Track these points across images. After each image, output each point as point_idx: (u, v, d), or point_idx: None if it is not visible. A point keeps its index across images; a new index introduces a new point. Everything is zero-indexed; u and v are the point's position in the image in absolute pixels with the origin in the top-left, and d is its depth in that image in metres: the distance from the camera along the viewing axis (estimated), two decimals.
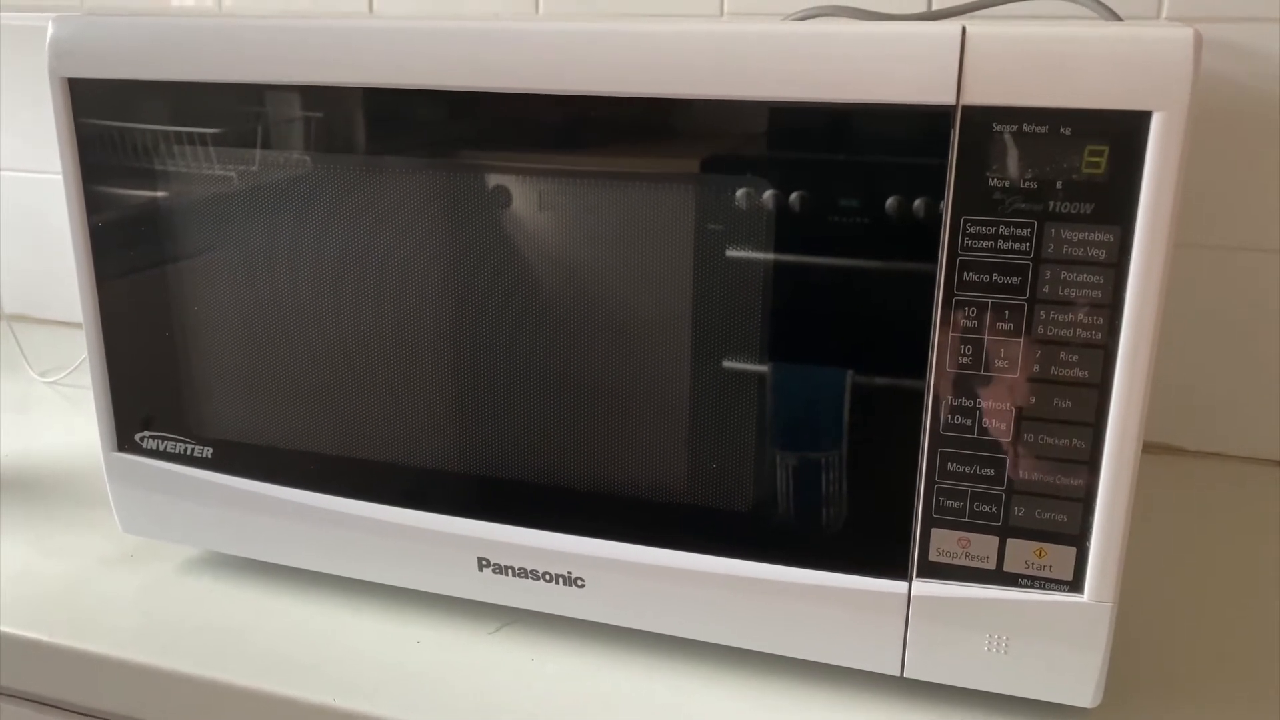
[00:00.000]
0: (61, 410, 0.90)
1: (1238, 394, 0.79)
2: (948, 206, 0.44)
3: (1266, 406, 0.79)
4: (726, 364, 0.49)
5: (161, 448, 0.61)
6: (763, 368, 0.49)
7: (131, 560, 0.65)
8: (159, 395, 0.60)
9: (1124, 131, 0.42)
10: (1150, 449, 0.82)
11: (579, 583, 0.54)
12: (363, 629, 0.58)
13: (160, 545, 0.66)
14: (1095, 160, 0.42)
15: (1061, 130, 0.42)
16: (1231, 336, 0.78)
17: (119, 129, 0.57)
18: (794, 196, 0.46)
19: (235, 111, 0.54)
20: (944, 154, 0.44)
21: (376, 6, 0.94)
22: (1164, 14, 0.74)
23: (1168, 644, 0.57)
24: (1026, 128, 0.43)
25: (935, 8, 0.78)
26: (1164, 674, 0.54)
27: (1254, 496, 0.75)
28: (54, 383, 0.95)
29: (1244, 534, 0.69)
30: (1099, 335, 0.44)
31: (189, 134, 0.55)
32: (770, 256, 0.47)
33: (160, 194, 0.57)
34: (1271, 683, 0.53)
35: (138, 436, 0.61)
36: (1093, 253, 0.43)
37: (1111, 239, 0.43)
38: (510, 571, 0.55)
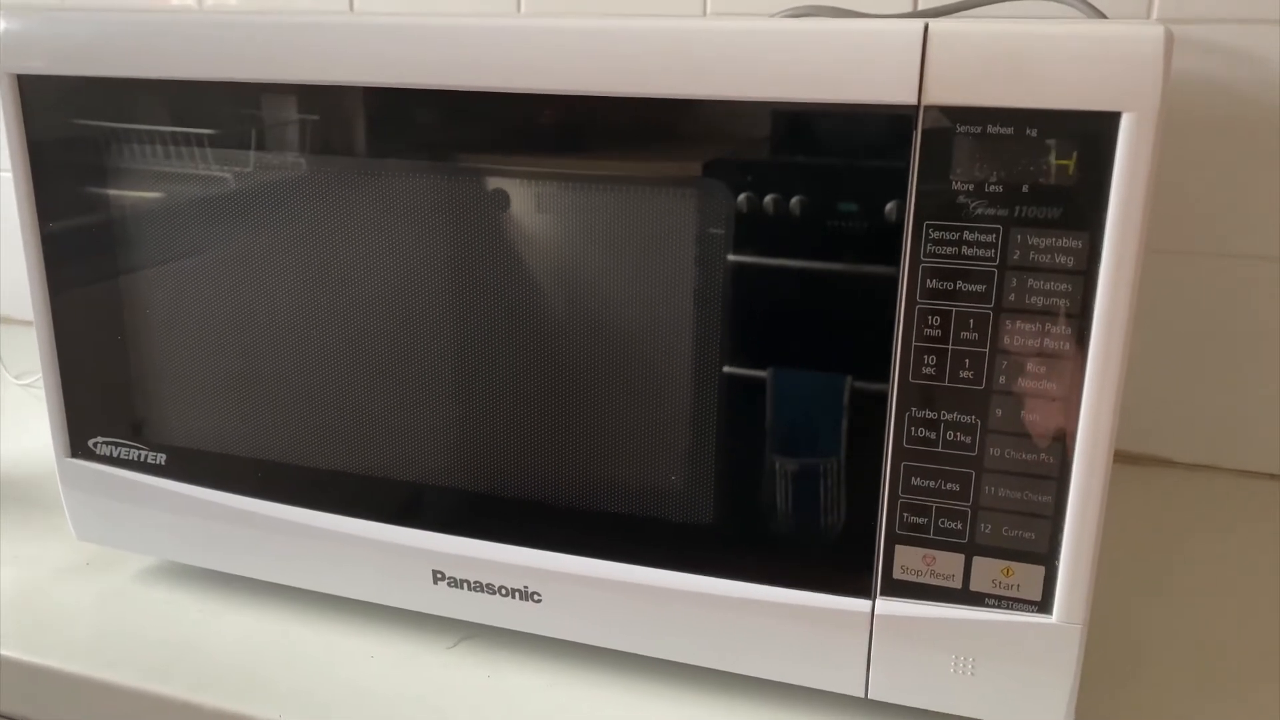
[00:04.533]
0: (34, 413, 0.88)
1: (1231, 405, 0.77)
2: (909, 211, 0.42)
3: (1261, 418, 0.77)
4: (674, 371, 0.48)
5: (115, 454, 0.60)
6: (716, 379, 0.47)
7: (88, 569, 0.64)
8: (112, 400, 0.59)
9: (1093, 133, 0.40)
10: (1140, 461, 0.80)
11: (535, 597, 0.52)
12: (316, 642, 0.57)
13: (119, 553, 0.65)
14: (1063, 163, 0.41)
15: (1028, 131, 0.41)
16: (1226, 346, 0.76)
17: (70, 127, 0.55)
18: (744, 198, 0.45)
19: (193, 110, 0.53)
20: (905, 156, 0.42)
21: (357, 4, 0.93)
22: (1154, 15, 0.72)
23: (1151, 667, 0.55)
24: (991, 129, 0.41)
25: (921, 8, 0.76)
26: (1145, 699, 0.52)
27: (1247, 511, 0.73)
28: (28, 385, 0.94)
29: (1236, 550, 0.67)
30: (1067, 345, 0.42)
31: (143, 132, 0.54)
32: (725, 259, 0.46)
33: (114, 195, 0.56)
34: (1267, 709, 0.51)
35: (91, 442, 0.60)
36: (1060, 259, 0.41)
37: (1080, 245, 0.41)
38: (466, 585, 0.54)
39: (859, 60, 0.42)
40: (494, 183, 0.49)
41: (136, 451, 0.59)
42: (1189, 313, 0.76)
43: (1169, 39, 0.39)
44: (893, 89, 0.41)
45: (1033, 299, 0.42)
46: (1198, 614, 0.59)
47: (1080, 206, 0.41)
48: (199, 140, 0.53)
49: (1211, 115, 0.72)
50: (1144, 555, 0.66)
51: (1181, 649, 0.56)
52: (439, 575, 0.54)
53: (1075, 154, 0.40)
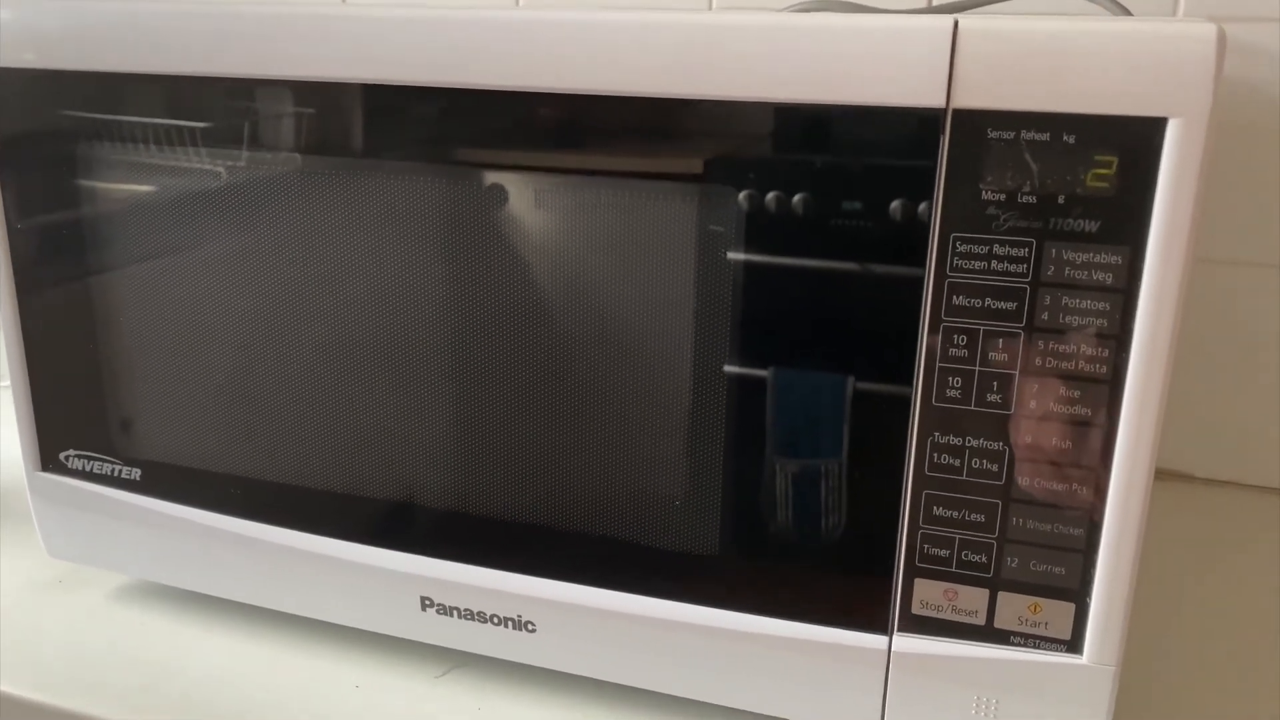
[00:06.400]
0: (4, 419, 0.85)
1: (1251, 419, 0.74)
2: (935, 222, 0.39)
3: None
4: (691, 379, 0.45)
5: (88, 468, 0.57)
6: (722, 390, 0.44)
7: (60, 586, 0.61)
8: (84, 411, 0.56)
9: (1136, 140, 0.37)
10: (1156, 476, 0.77)
11: (529, 627, 0.49)
12: (297, 669, 0.53)
13: (92, 571, 0.61)
14: (1103, 172, 0.37)
15: (1065, 138, 0.37)
16: (1246, 356, 0.73)
17: (39, 121, 0.52)
18: (768, 199, 0.41)
19: (171, 103, 0.50)
20: (931, 163, 0.39)
21: None
22: (1180, 12, 0.69)
23: (1171, 699, 0.52)
24: (1025, 135, 0.38)
25: (935, 4, 0.73)
26: None
27: (1268, 529, 0.70)
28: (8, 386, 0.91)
29: (1258, 571, 0.64)
30: (1104, 369, 0.39)
31: (117, 126, 0.51)
32: (740, 266, 0.43)
33: (85, 191, 0.52)
34: None
35: (62, 455, 0.57)
36: (1098, 276, 0.38)
37: (1119, 261, 0.38)
38: (456, 613, 0.50)
39: (882, 59, 0.39)
40: (491, 179, 0.46)
41: (110, 466, 0.56)
42: (1211, 322, 0.73)
43: (1221, 39, 0.36)
44: (919, 90, 0.38)
45: (1067, 318, 0.39)
46: (1235, 647, 0.56)
47: (1120, 219, 0.38)
48: (179, 135, 0.50)
49: (1231, 116, 0.69)
50: (1170, 580, 0.63)
51: (1217, 688, 0.53)
52: (427, 602, 0.51)
53: (1116, 162, 0.37)
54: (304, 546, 0.53)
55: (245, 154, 0.49)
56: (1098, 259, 0.38)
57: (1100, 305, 0.39)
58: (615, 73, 0.42)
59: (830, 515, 0.44)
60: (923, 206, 0.39)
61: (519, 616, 0.49)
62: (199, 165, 0.50)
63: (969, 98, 0.38)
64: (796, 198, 0.41)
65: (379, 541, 0.51)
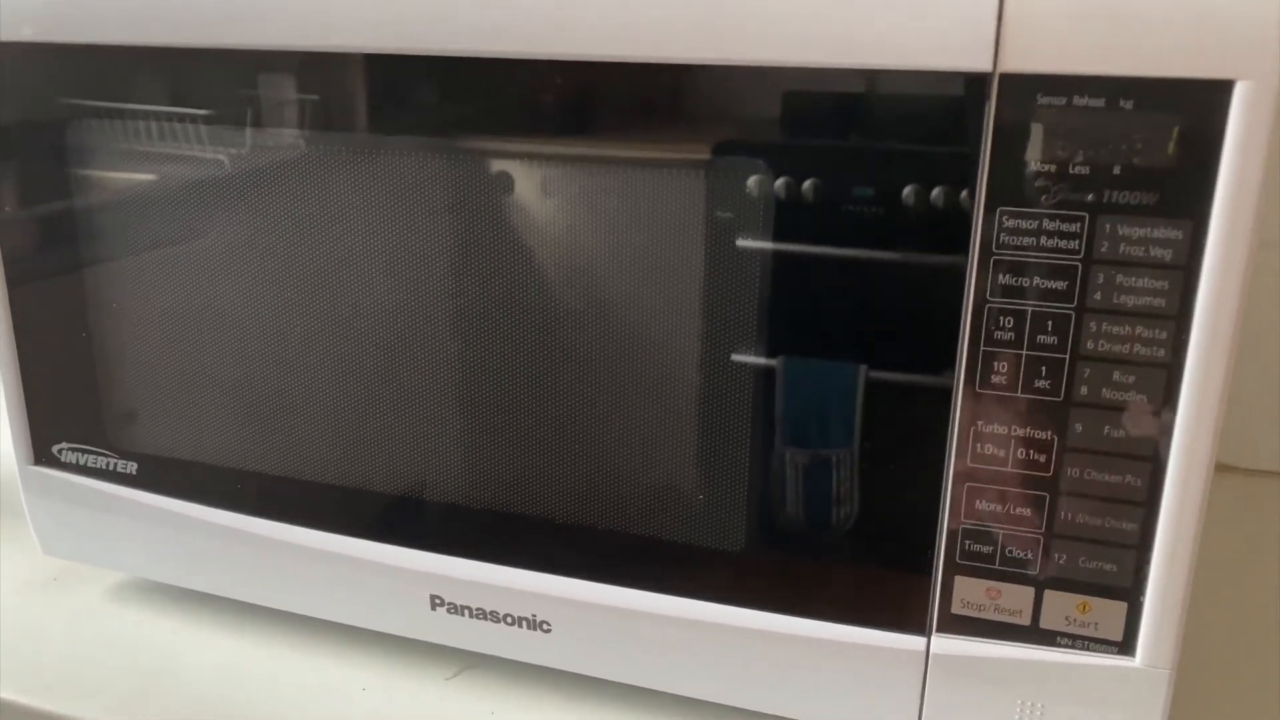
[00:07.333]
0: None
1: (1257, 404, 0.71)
2: (980, 195, 0.37)
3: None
4: (714, 376, 0.42)
5: (82, 462, 0.54)
6: (751, 382, 0.42)
7: (56, 584, 0.59)
8: (78, 403, 0.53)
9: (1199, 106, 0.34)
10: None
11: (544, 627, 0.47)
12: (303, 670, 0.51)
13: (88, 568, 0.59)
14: (1162, 141, 0.35)
15: (1121, 104, 0.35)
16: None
17: (27, 102, 0.50)
18: (784, 181, 0.39)
19: (168, 83, 0.47)
20: (976, 132, 0.36)
21: None
22: None
23: (1229, 705, 0.49)
24: (1078, 100, 0.35)
25: None
26: None
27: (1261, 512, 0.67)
28: None
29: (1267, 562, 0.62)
30: (1161, 352, 0.36)
31: (109, 109, 0.48)
32: (772, 248, 0.40)
33: (78, 177, 0.50)
34: None
35: (55, 448, 0.55)
36: (1156, 253, 0.36)
37: (1180, 236, 0.35)
38: (467, 612, 0.48)
39: (921, 18, 0.36)
40: (496, 162, 0.43)
41: (106, 459, 0.54)
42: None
43: None
44: (962, 53, 0.36)
45: (1123, 298, 0.36)
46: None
47: (1181, 191, 0.35)
48: (176, 118, 0.47)
49: None
50: (1226, 577, 0.60)
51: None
52: (438, 600, 0.48)
53: (1177, 130, 0.35)
54: (308, 543, 0.50)
55: (247, 137, 0.46)
56: (1156, 234, 0.36)
57: (1159, 284, 0.36)
58: (626, 35, 0.39)
59: (864, 509, 0.41)
60: (962, 182, 0.37)
61: (533, 616, 0.47)
62: (196, 153, 0.48)
63: (1018, 60, 0.35)
64: (809, 180, 0.38)
65: (386, 537, 0.49)
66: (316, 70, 0.44)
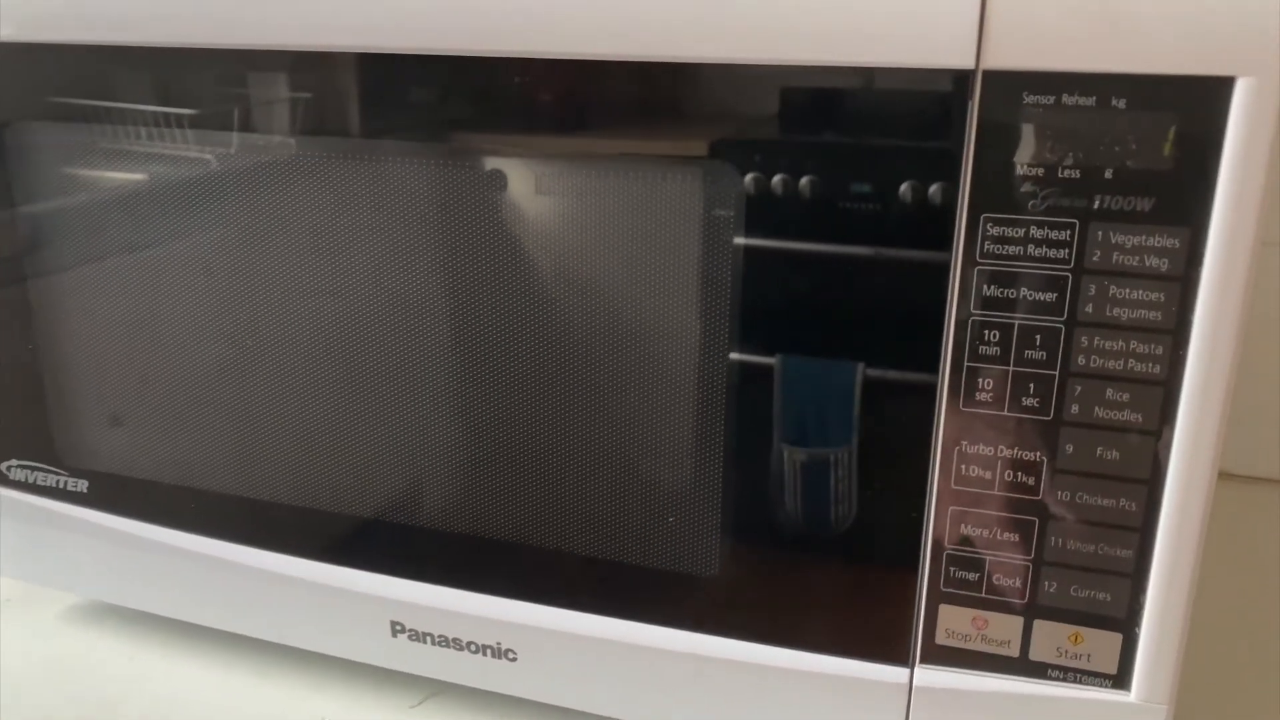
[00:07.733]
0: None
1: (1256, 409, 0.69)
2: (964, 200, 0.34)
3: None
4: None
5: (31, 479, 0.52)
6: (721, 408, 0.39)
7: (8, 606, 0.56)
8: (26, 419, 0.51)
9: (1197, 104, 0.32)
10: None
11: (509, 655, 0.45)
12: (260, 698, 0.49)
13: (43, 589, 0.57)
14: (1158, 142, 0.32)
15: (1114, 102, 0.32)
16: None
17: None
18: (751, 179, 0.36)
19: (124, 79, 0.45)
20: (958, 133, 0.34)
21: None
22: None
23: None
24: (1067, 99, 0.33)
25: None
26: None
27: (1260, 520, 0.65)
28: None
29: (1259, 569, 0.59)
30: (1157, 369, 0.34)
31: (55, 108, 0.46)
32: (740, 258, 0.38)
33: (18, 186, 0.48)
34: None
35: (4, 465, 0.52)
36: (1152, 262, 0.33)
37: (1177, 245, 0.33)
38: (429, 639, 0.46)
39: (900, 13, 0.34)
40: (488, 161, 0.41)
41: (55, 477, 0.51)
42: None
43: None
44: (944, 49, 0.33)
45: (1116, 310, 0.34)
46: None
47: (1178, 196, 0.33)
48: (130, 117, 0.45)
49: None
50: (1228, 597, 0.58)
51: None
52: (398, 627, 0.46)
53: (1173, 131, 0.32)
54: (265, 565, 0.48)
55: (188, 140, 0.44)
56: (1151, 242, 0.33)
57: (1154, 296, 0.34)
58: (616, 34, 0.37)
59: (845, 534, 0.39)
60: (948, 184, 0.34)
61: (498, 644, 0.45)
62: (153, 148, 0.45)
63: (1002, 57, 0.33)
64: (805, 178, 0.36)
65: (345, 561, 0.47)
66: (298, 65, 0.42)
